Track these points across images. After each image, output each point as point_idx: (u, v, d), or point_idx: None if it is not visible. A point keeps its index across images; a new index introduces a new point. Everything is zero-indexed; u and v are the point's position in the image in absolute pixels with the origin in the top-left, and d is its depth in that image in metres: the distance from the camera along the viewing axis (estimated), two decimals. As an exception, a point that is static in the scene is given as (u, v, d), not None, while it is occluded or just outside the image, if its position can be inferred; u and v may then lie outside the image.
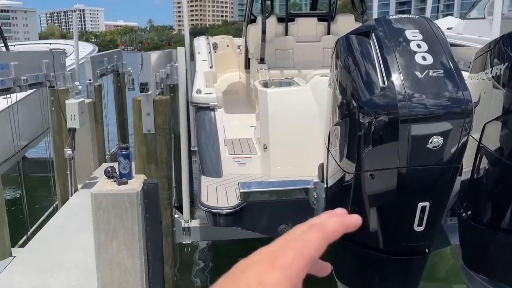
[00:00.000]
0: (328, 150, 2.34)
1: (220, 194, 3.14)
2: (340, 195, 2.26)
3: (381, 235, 2.06)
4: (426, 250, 2.03)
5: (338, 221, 0.48)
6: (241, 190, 2.91)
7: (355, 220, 0.49)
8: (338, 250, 2.41)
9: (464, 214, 2.42)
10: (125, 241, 2.50)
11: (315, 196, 2.88)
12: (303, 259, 0.45)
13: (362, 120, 1.94)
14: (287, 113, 3.39)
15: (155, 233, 2.61)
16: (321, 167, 2.67)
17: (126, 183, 2.53)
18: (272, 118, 3.38)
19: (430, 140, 1.77)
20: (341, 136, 2.17)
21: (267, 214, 3.02)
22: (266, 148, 3.43)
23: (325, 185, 2.45)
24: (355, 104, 2.01)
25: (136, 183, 2.56)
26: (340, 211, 0.50)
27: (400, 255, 2.04)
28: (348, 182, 2.13)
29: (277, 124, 3.38)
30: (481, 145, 2.27)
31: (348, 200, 2.15)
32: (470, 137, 1.93)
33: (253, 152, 3.57)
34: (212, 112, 3.62)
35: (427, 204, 1.87)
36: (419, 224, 1.91)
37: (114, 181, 2.52)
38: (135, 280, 2.55)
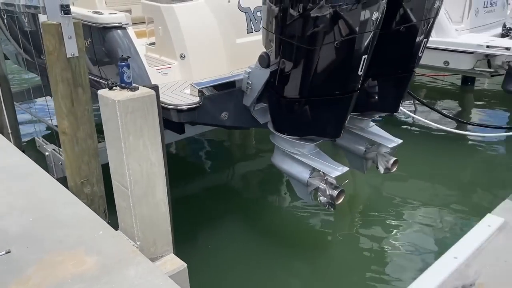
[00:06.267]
0: (282, 39, 3.26)
1: (171, 97, 3.65)
2: (301, 67, 3.28)
3: (337, 84, 3.27)
4: (359, 88, 3.36)
5: None
6: (199, 88, 3.55)
7: None
8: (284, 108, 3.51)
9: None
10: (149, 138, 2.89)
11: (250, 83, 3.80)
12: None
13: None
14: (195, 23, 4.02)
15: (162, 127, 3.07)
16: (264, 56, 3.57)
17: (138, 88, 2.85)
18: (185, 29, 3.96)
19: (372, 16, 3.01)
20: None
21: (213, 105, 3.76)
22: (184, 56, 4.01)
23: (277, 67, 3.40)
24: None
25: (142, 88, 2.91)
26: None
27: (347, 94, 3.31)
28: (309, 56, 3.18)
29: (190, 33, 3.98)
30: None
31: (311, 68, 3.22)
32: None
33: (169, 63, 4.07)
34: (125, 30, 3.86)
35: (366, 56, 3.16)
36: (361, 70, 3.20)
37: (127, 89, 2.81)
38: (159, 170, 3.00)
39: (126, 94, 2.79)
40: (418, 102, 6.73)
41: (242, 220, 4.76)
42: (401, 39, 3.61)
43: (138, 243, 3.03)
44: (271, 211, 4.91)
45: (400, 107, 5.87)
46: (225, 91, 3.79)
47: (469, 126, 6.37)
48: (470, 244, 2.38)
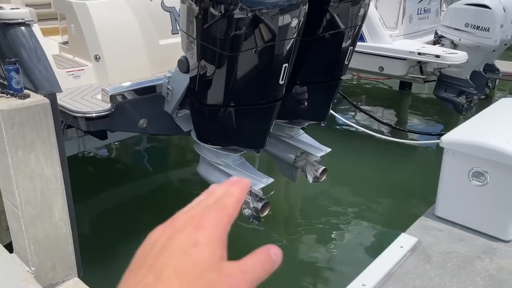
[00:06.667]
0: (201, 44, 3.05)
1: (79, 103, 3.32)
2: (220, 74, 3.07)
3: (257, 93, 3.09)
4: (281, 97, 3.20)
5: (240, 188, 0.52)
6: (111, 93, 3.25)
7: (248, 183, 0.54)
8: (205, 116, 3.30)
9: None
10: (43, 152, 2.57)
11: (170, 88, 3.55)
12: (225, 216, 0.47)
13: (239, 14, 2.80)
14: (111, 21, 3.71)
15: (61, 139, 2.75)
16: (183, 60, 3.33)
17: (29, 96, 2.52)
18: (99, 28, 3.63)
19: (291, 23, 2.85)
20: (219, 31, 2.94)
21: (129, 112, 3.47)
22: (99, 58, 3.68)
23: (196, 73, 3.17)
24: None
25: (36, 95, 2.58)
26: (235, 179, 0.54)
27: (269, 104, 3.14)
28: (228, 62, 2.98)
29: (105, 33, 3.66)
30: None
31: (230, 75, 3.02)
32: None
33: (82, 64, 3.72)
34: (29, 27, 3.47)
35: (286, 64, 3.00)
36: (282, 79, 3.04)
37: (16, 97, 2.47)
38: (57, 187, 2.69)
39: (13, 102, 2.46)
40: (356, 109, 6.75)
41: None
42: (327, 46, 3.49)
43: (33, 268, 2.71)
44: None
45: (337, 114, 5.87)
46: (143, 97, 3.51)
47: (404, 133, 6.44)
48: (380, 269, 2.28)
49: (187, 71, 3.33)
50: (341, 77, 3.72)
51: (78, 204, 4.81)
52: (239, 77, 3.02)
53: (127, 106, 3.40)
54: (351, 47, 3.55)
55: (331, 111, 5.59)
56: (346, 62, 3.61)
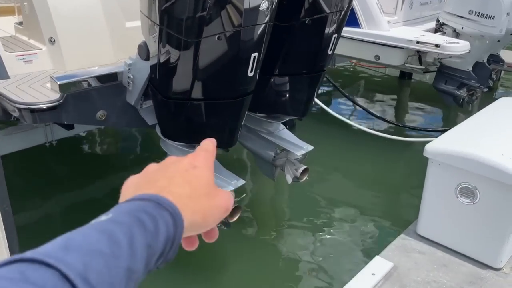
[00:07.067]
0: (161, 28, 2.66)
1: (25, 92, 2.95)
2: (180, 63, 2.69)
3: (223, 86, 2.71)
4: (251, 90, 2.82)
5: (210, 141, 0.65)
6: (60, 82, 2.87)
7: (214, 142, 0.65)
8: (168, 109, 2.92)
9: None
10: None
11: (131, 77, 3.17)
12: (210, 155, 0.61)
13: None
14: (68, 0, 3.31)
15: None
16: (143, 46, 2.95)
17: None
18: (54, 6, 3.23)
19: (261, 6, 2.45)
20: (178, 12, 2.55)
21: (84, 103, 3.10)
22: (54, 41, 3.29)
23: (156, 61, 2.78)
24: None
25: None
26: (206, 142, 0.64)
27: (237, 98, 2.76)
28: (189, 50, 2.60)
29: (61, 12, 3.27)
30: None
31: (191, 65, 2.64)
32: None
33: (36, 48, 3.34)
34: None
35: (256, 54, 2.61)
36: (251, 71, 2.65)
37: None
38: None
39: None
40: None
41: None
42: (308, 33, 3.08)
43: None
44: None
45: (326, 107, 5.46)
46: (101, 86, 3.14)
47: (402, 128, 6.02)
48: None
49: (147, 58, 2.95)
50: (324, 68, 3.32)
51: (45, 199, 4.50)
52: (202, 68, 2.63)
53: (81, 97, 3.02)
54: (335, 35, 3.14)
55: (320, 102, 5.22)
56: (329, 52, 3.20)
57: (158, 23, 2.65)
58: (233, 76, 2.66)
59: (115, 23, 3.53)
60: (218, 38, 2.50)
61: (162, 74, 2.84)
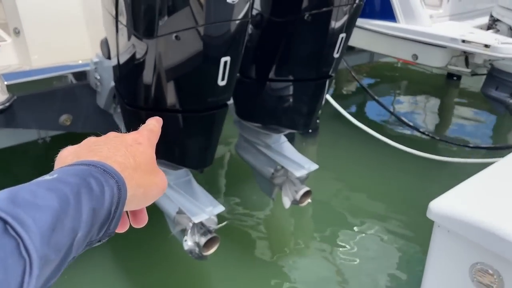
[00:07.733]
0: (117, 21, 2.17)
1: (-26, 92, 2.56)
2: (138, 65, 2.19)
3: (187, 96, 2.17)
4: (227, 102, 2.27)
5: (155, 119, 0.68)
6: (6, 83, 2.46)
7: (160, 121, 0.69)
8: (131, 119, 2.43)
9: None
10: None
11: (98, 77, 2.71)
12: (153, 135, 0.64)
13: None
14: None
15: None
16: (105, 42, 2.48)
17: None
18: (19, -7, 2.82)
19: (228, -4, 1.88)
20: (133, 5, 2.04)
21: (43, 106, 2.68)
22: (19, 32, 2.89)
23: (117, 62, 2.30)
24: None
25: None
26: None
27: (206, 111, 2.22)
28: (145, 50, 2.09)
29: (27, 1, 2.85)
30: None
31: (149, 69, 2.12)
32: None
33: (0, 39, 2.95)
34: None
35: (228, 58, 2.05)
36: (222, 78, 2.10)
37: None
38: None
39: None
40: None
41: (110, 260, 3.74)
42: (307, 31, 2.48)
43: None
44: (156, 242, 3.88)
45: (345, 113, 4.75)
46: (65, 86, 2.71)
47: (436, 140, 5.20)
48: None
49: (108, 56, 2.48)
50: (331, 75, 2.69)
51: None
52: (161, 73, 2.11)
53: (35, 100, 2.60)
54: (343, 35, 2.50)
55: (334, 102, 4.54)
56: (336, 55, 2.56)
57: (114, 16, 2.16)
58: (198, 85, 2.12)
59: (93, 14, 3.07)
60: (175, 37, 1.96)
61: (121, 76, 2.35)
